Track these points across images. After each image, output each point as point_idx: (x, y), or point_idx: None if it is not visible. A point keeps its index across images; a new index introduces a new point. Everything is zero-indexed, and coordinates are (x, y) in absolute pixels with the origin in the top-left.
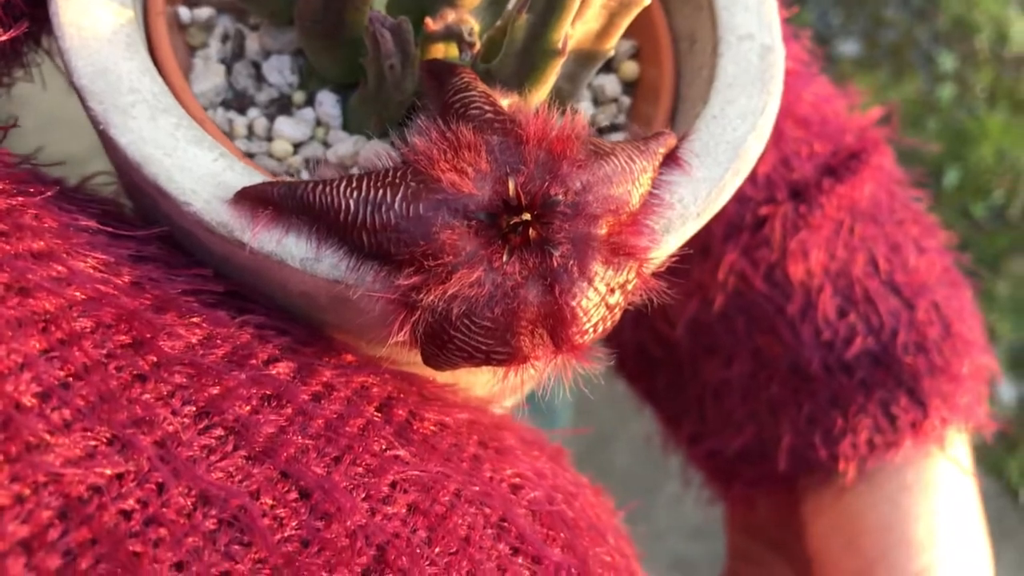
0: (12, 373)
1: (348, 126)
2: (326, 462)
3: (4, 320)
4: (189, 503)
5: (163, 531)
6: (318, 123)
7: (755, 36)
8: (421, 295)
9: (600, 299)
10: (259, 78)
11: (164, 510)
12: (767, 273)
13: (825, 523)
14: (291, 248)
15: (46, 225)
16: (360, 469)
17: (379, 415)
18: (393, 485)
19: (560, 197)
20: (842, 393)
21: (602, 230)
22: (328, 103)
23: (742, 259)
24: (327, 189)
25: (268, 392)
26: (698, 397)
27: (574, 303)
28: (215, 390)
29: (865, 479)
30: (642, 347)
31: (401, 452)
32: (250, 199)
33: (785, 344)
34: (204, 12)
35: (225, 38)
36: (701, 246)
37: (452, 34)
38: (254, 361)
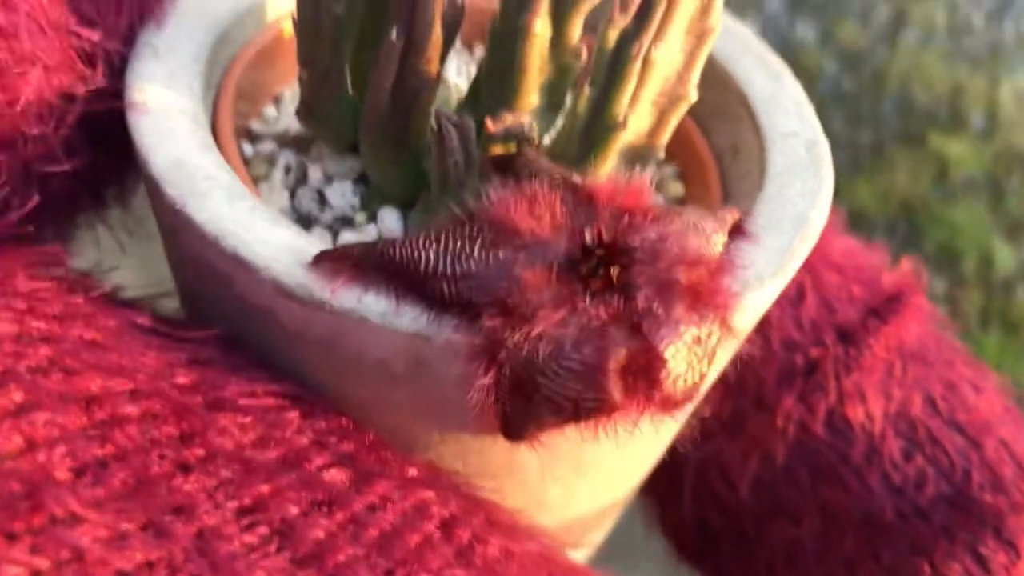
0: (46, 444)
1: None
2: (378, 574)
3: (46, 392)
4: None
5: None
6: (380, 238)
7: (799, 133)
8: (506, 334)
9: (687, 349)
10: (322, 201)
11: None
12: (827, 419)
13: None
14: (371, 304)
15: (100, 322)
16: None
17: (439, 533)
18: None
19: (637, 243)
20: (921, 539)
21: (682, 276)
22: (390, 219)
23: (799, 405)
24: (407, 243)
25: (320, 497)
26: (768, 565)
27: (662, 346)
28: (264, 488)
29: None
30: (703, 521)
31: (462, 574)
32: (330, 260)
33: (853, 494)
34: (266, 147)
35: (287, 170)
36: (754, 398)
37: (511, 135)
38: (308, 466)
